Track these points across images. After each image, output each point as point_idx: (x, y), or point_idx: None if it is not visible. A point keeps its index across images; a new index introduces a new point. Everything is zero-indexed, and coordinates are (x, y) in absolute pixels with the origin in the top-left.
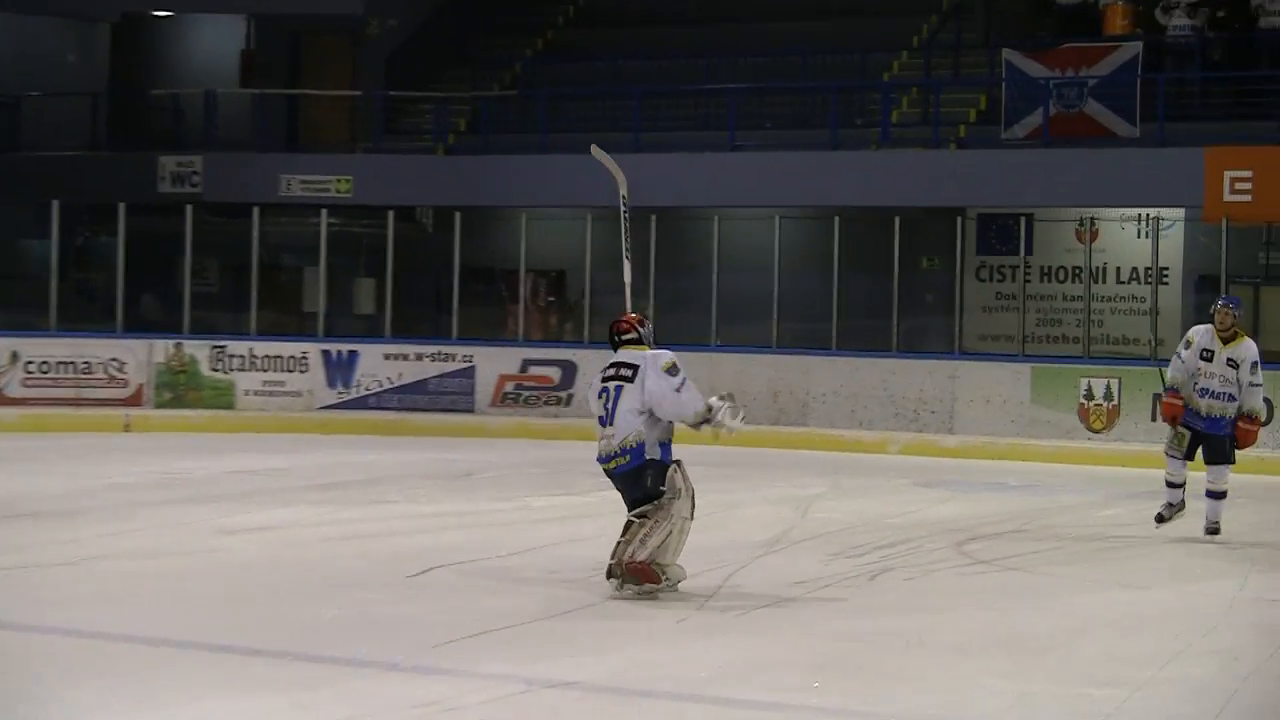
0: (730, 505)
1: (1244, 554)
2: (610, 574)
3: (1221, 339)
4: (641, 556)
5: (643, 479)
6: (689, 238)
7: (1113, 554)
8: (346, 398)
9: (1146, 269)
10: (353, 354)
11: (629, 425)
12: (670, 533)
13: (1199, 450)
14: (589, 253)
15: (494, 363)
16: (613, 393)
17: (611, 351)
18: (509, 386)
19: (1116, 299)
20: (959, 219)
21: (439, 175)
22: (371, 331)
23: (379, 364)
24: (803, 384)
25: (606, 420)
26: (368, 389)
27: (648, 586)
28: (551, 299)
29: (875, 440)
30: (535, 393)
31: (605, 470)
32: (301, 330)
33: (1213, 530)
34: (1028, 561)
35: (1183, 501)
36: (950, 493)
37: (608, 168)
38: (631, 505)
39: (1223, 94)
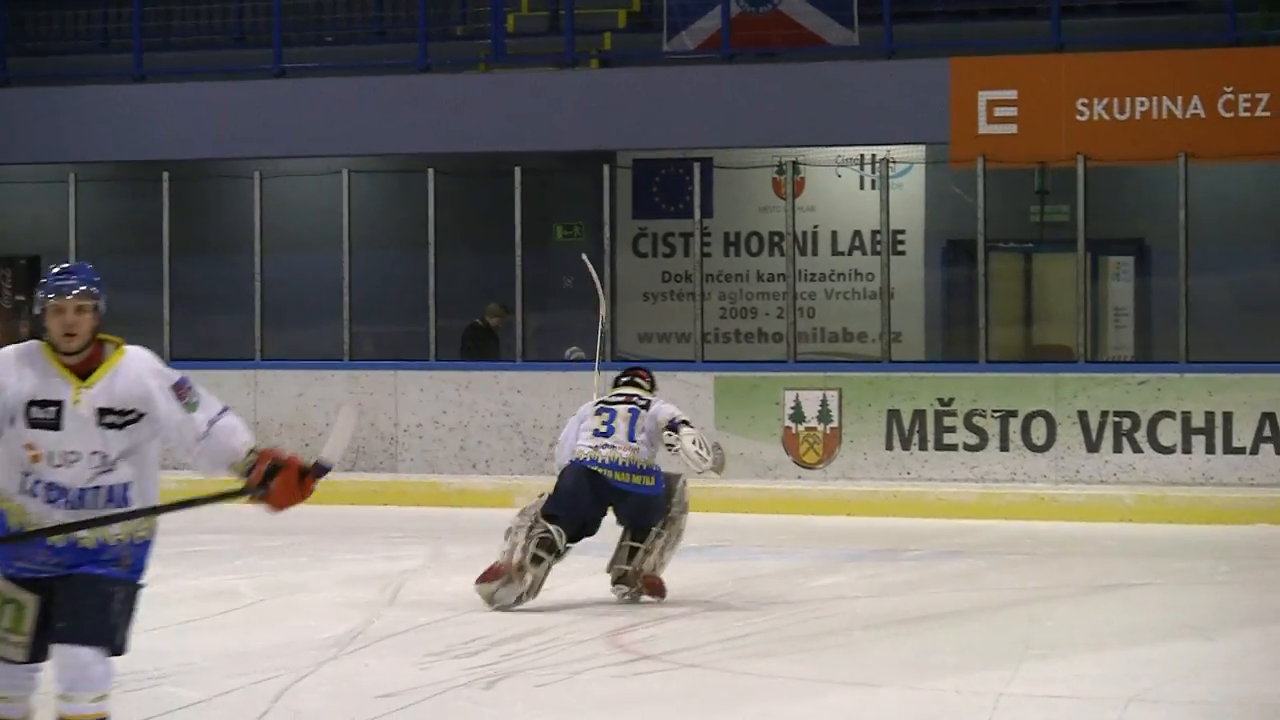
0: (289, 589)
1: (1016, 633)
2: (623, 580)
3: (69, 368)
4: (661, 573)
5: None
6: (220, 204)
7: (832, 639)
8: None
9: (874, 233)
10: None
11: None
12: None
13: None
14: (73, 229)
15: None
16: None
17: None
18: None
19: (833, 276)
20: (606, 168)
21: None
22: None
23: None
24: (389, 411)
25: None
26: None
27: (657, 599)
28: (21, 299)
29: (495, 489)
30: None
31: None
32: None
33: None
34: (711, 655)
35: None
36: (601, 560)
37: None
38: (635, 519)
39: None
